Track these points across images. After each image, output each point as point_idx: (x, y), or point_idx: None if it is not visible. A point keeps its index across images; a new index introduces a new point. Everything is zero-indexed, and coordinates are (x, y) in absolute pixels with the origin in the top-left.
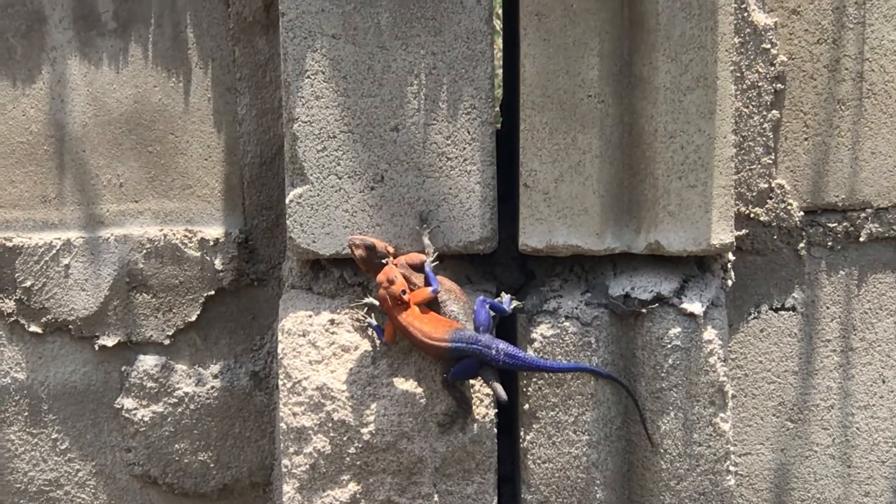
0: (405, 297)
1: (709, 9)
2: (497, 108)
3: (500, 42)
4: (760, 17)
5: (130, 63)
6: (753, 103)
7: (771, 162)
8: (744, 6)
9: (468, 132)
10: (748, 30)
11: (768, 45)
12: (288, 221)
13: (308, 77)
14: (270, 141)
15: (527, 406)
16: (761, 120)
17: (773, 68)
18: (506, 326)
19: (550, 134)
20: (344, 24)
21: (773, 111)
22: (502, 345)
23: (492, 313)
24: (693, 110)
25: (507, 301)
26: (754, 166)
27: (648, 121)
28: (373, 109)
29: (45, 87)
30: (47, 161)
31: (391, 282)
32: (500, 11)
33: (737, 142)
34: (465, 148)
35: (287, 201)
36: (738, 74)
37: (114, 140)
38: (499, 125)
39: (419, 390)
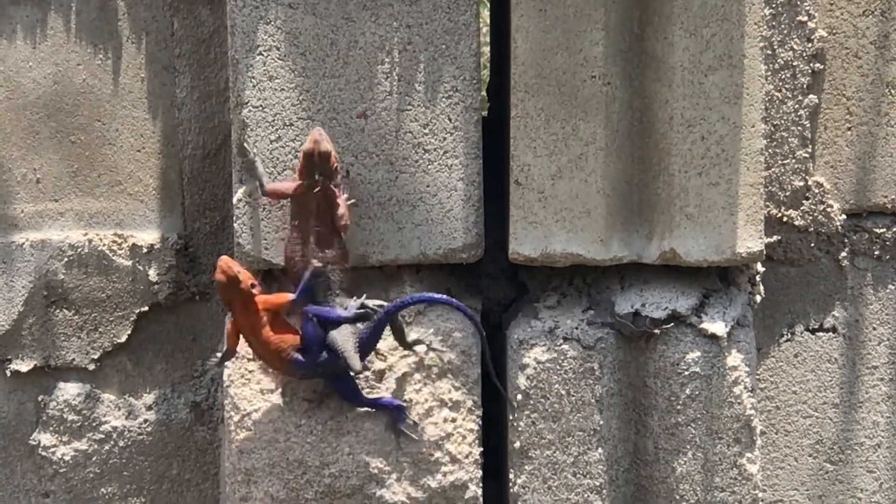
0: (254, 291)
1: None
2: (483, 92)
3: (486, 14)
4: None
5: (50, 36)
6: (787, 86)
7: (807, 156)
8: None
9: (449, 119)
10: None
11: (805, 18)
12: (235, 225)
13: (260, 54)
14: (215, 129)
15: (517, 444)
16: (796, 106)
17: (810, 45)
18: (494, 348)
19: (547, 122)
20: None
21: (811, 96)
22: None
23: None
24: (716, 94)
25: (352, 307)
26: (788, 161)
27: (663, 106)
28: (336, 92)
29: None
30: None
31: (232, 278)
32: None
33: (767, 132)
34: (445, 138)
35: (234, 201)
36: (769, 52)
37: (29, 128)
38: (486, 111)
39: None
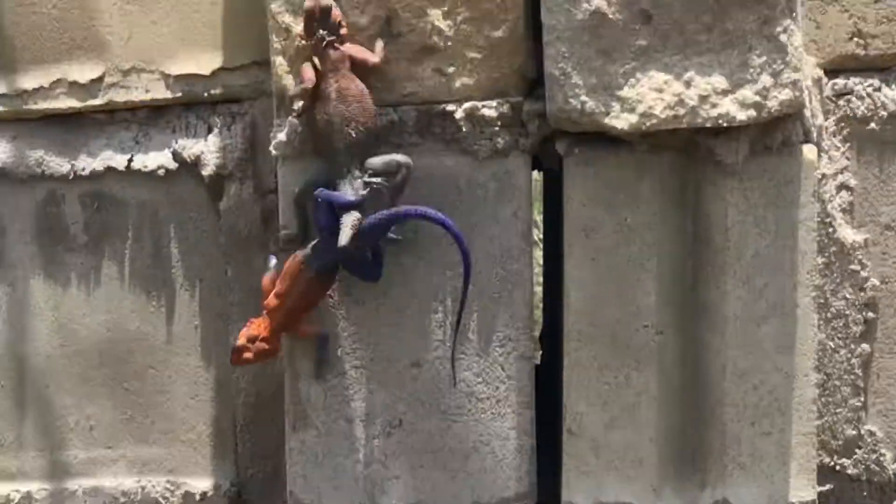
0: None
1: (787, 224)
2: (536, 336)
3: (538, 254)
4: (848, 234)
5: (103, 284)
6: (839, 335)
7: (860, 405)
8: (828, 220)
9: (502, 368)
10: (833, 248)
11: (857, 267)
12: (288, 472)
13: None
14: (269, 377)
15: None
16: (849, 355)
17: (862, 294)
18: None
19: (600, 371)
20: None
21: (863, 345)
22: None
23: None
24: (768, 344)
25: (359, 189)
26: (840, 409)
27: (715, 356)
28: (391, 341)
29: (1, 312)
30: (4, 399)
31: None
32: (538, 219)
33: (820, 381)
34: (498, 387)
35: (287, 449)
36: (822, 301)
37: (83, 375)
38: (538, 356)
39: None
